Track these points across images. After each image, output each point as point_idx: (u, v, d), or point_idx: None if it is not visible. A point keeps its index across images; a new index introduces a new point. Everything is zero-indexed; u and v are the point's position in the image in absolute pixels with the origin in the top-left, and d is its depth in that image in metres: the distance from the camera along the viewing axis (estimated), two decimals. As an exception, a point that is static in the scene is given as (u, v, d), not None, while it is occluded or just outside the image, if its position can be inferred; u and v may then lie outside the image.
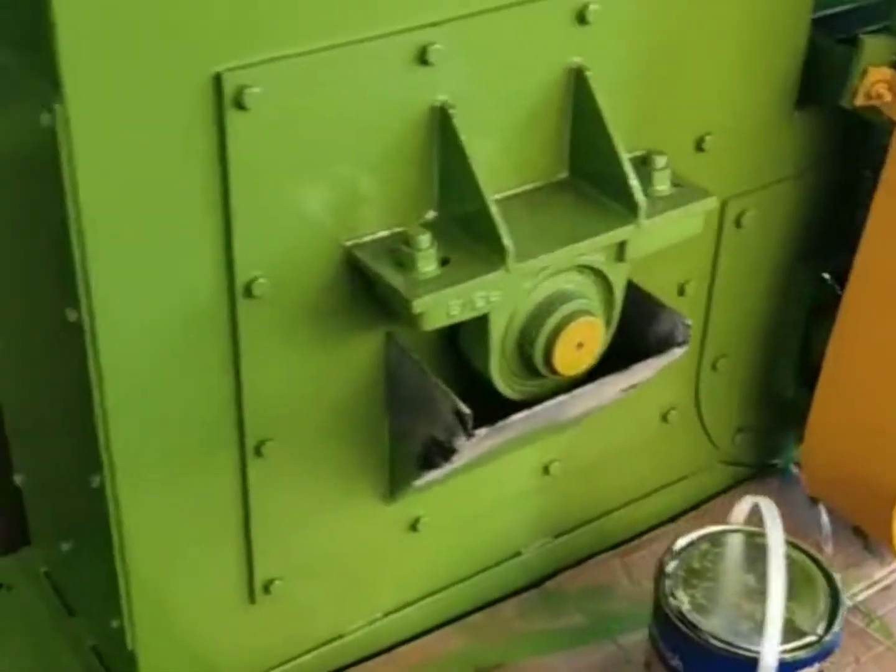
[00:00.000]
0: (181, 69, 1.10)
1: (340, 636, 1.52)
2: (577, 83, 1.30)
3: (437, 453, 1.31)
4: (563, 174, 1.35)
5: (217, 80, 1.11)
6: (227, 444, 1.30)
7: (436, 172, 1.26)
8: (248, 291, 1.21)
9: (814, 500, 1.73)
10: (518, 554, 1.63)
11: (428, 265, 1.21)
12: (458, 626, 1.60)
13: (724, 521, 1.54)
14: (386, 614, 1.54)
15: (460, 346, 1.33)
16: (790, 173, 1.57)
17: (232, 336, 1.24)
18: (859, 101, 1.43)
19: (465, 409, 1.25)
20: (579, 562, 1.69)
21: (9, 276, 1.33)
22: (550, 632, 1.60)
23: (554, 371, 1.31)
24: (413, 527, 1.49)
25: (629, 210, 1.29)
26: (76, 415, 1.25)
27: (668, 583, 1.36)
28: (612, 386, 1.35)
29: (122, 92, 1.08)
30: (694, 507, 1.77)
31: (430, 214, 1.28)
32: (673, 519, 1.76)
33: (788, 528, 1.45)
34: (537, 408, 1.30)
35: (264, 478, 1.33)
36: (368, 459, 1.41)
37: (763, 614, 1.31)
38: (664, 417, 1.65)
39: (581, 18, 1.27)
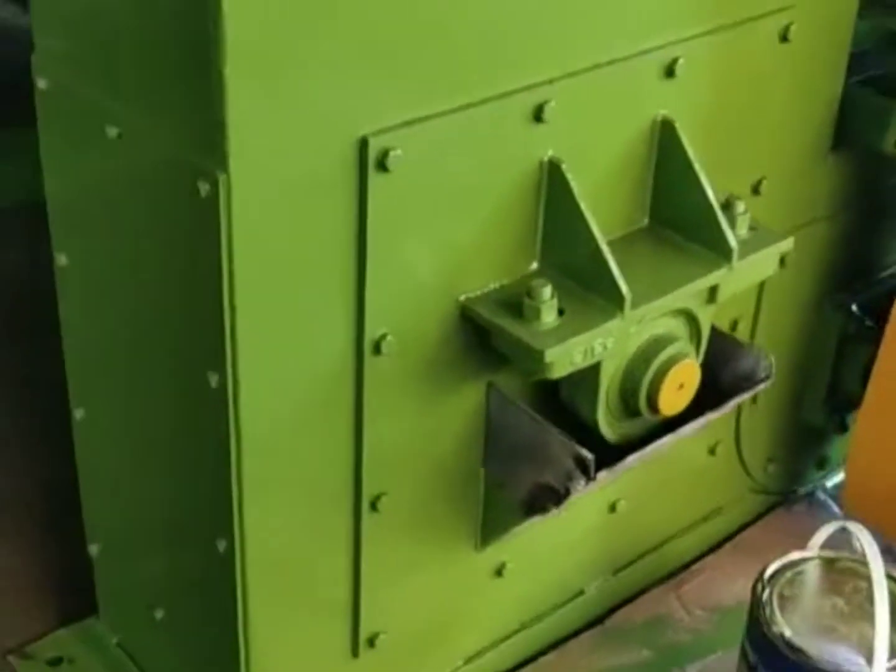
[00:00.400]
0: (331, 134, 1.12)
1: (427, 686, 1.53)
2: (665, 134, 1.35)
3: (549, 499, 1.34)
4: (644, 222, 1.41)
5: (363, 143, 1.13)
6: (345, 501, 1.31)
7: (540, 225, 1.30)
8: (376, 349, 1.23)
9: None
10: (581, 593, 1.66)
11: (549, 316, 1.24)
12: (533, 668, 1.62)
13: (773, 548, 1.62)
14: (466, 661, 1.56)
15: (562, 392, 1.37)
16: (825, 213, 1.65)
17: (356, 393, 1.25)
18: (903, 143, 1.52)
19: (588, 454, 1.28)
20: (633, 597, 1.73)
21: (118, 348, 1.33)
22: (620, 668, 1.64)
23: (656, 412, 1.35)
24: (498, 572, 1.51)
25: (721, 254, 1.35)
26: (203, 480, 1.25)
27: (766, 611, 1.40)
28: (705, 422, 1.41)
29: (277, 159, 1.09)
30: (730, 537, 1.83)
31: (533, 266, 1.32)
32: (713, 549, 1.81)
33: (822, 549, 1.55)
34: (649, 447, 1.34)
35: (377, 532, 1.34)
36: (464, 509, 1.43)
37: (860, 636, 1.38)
38: (712, 451, 1.71)
39: (669, 72, 1.33)
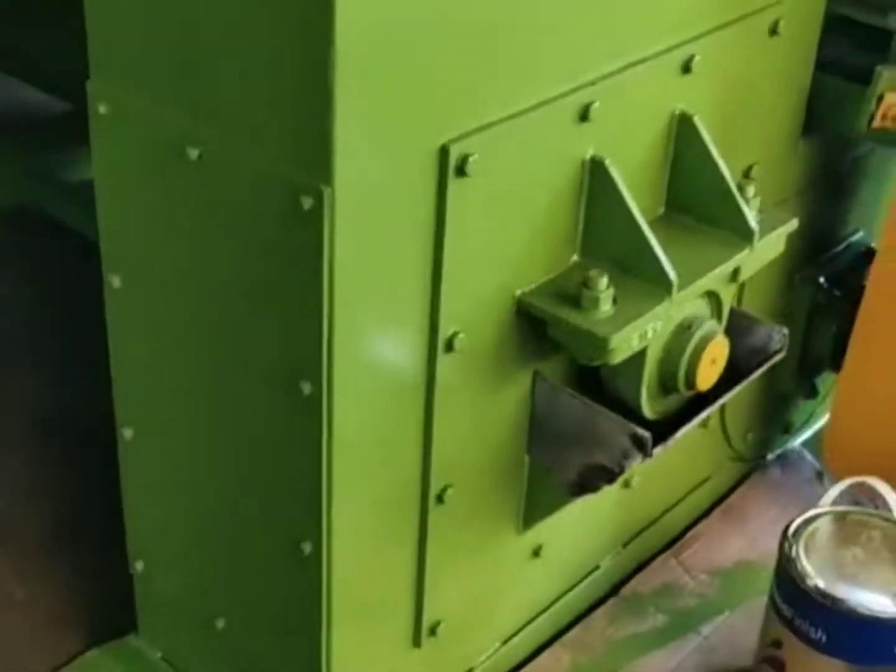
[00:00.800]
0: (417, 144, 1.17)
1: (471, 670, 1.59)
2: (683, 127, 1.43)
3: (600, 478, 1.41)
4: (661, 210, 1.49)
5: (443, 150, 1.18)
6: (413, 496, 1.36)
7: (581, 218, 1.37)
8: (448, 346, 1.28)
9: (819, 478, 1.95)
10: (597, 567, 1.74)
11: (606, 304, 1.31)
12: (562, 644, 1.70)
13: (759, 510, 1.79)
14: (504, 642, 1.62)
15: (604, 376, 1.44)
16: (793, 193, 1.76)
17: (427, 390, 1.30)
18: (877, 123, 1.64)
19: (645, 433, 1.36)
20: (641, 566, 1.82)
21: (181, 366, 1.35)
22: (641, 635, 1.73)
23: (692, 388, 1.44)
24: (536, 553, 1.58)
25: (743, 237, 1.44)
26: (287, 486, 1.28)
27: (798, 565, 1.50)
28: (734, 393, 1.50)
29: (372, 171, 1.14)
30: (716, 504, 1.94)
31: (574, 258, 1.39)
32: (706, 514, 1.91)
33: (797, 505, 1.70)
34: (695, 420, 1.43)
35: (442, 523, 1.39)
36: (510, 495, 1.49)
37: (882, 581, 1.49)
38: (704, 424, 1.80)
39: (686, 68, 1.41)
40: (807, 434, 2.06)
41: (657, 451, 1.38)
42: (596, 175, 1.34)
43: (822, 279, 1.85)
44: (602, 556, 1.74)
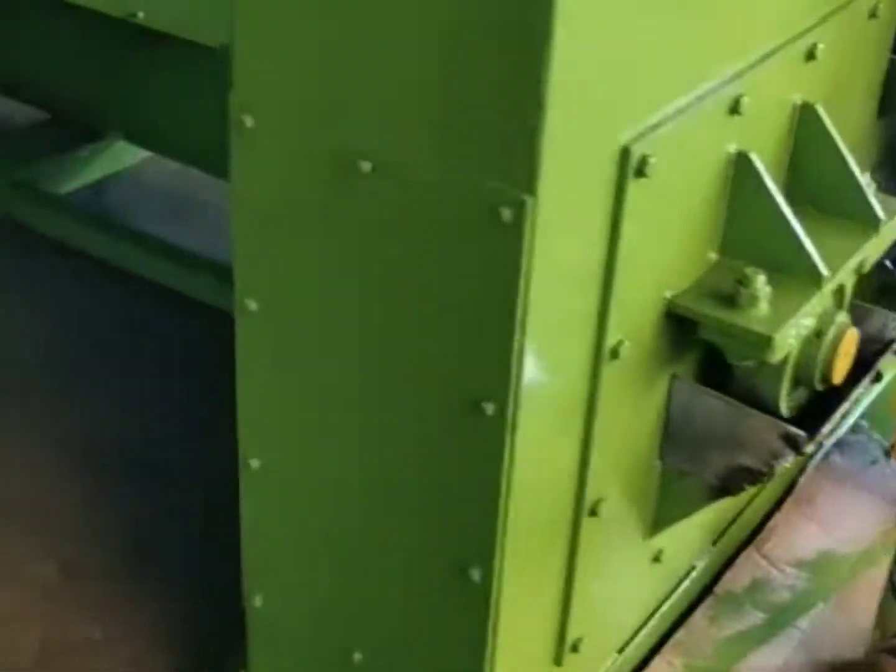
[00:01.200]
0: (602, 145, 1.11)
1: (592, 683, 1.55)
2: (805, 116, 1.40)
3: (743, 479, 1.38)
4: (783, 203, 1.46)
5: (625, 151, 1.13)
6: (569, 510, 1.30)
7: (723, 215, 1.33)
8: (614, 354, 1.23)
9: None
10: (693, 568, 1.71)
11: (764, 302, 1.28)
12: (670, 648, 1.66)
13: (826, 496, 1.83)
14: (619, 651, 1.58)
15: (740, 375, 1.40)
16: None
17: (589, 400, 1.25)
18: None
19: (800, 432, 1.33)
20: (727, 563, 1.79)
21: (326, 391, 1.27)
22: (744, 634, 1.70)
23: (827, 381, 1.41)
24: (657, 558, 1.54)
25: (869, 225, 1.41)
26: (457, 510, 1.22)
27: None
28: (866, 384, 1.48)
29: (567, 177, 1.08)
30: (787, 492, 1.92)
31: (713, 256, 1.35)
32: (777, 505, 1.90)
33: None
34: (836, 414, 1.40)
35: (593, 537, 1.34)
36: (641, 502, 1.44)
37: None
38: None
39: (811, 56, 1.38)
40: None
41: (810, 448, 1.35)
42: (741, 169, 1.30)
43: (888, 262, 1.84)
44: (699, 556, 1.71)
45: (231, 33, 1.16)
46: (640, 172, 1.15)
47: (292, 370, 1.28)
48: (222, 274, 1.71)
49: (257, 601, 1.44)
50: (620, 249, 1.17)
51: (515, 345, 1.11)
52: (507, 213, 1.06)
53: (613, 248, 1.17)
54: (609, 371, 1.24)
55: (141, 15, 1.99)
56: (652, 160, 1.15)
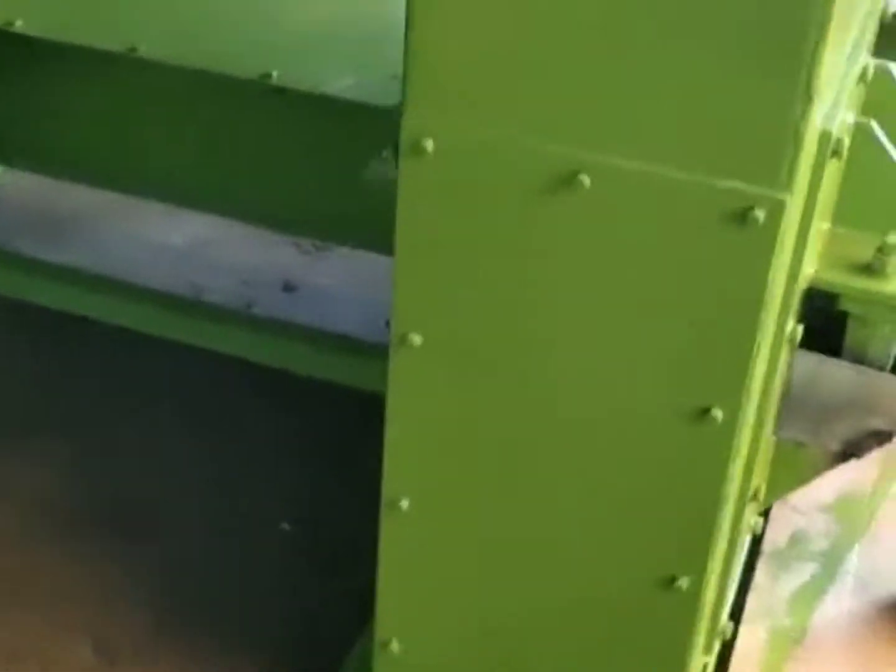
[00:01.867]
0: (817, 135, 1.07)
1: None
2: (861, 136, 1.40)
3: (871, 443, 1.38)
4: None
5: (824, 135, 1.09)
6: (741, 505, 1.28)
7: (838, 183, 1.32)
8: (791, 340, 1.21)
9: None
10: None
11: (902, 268, 1.28)
12: (748, 616, 1.66)
13: None
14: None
15: (855, 340, 1.39)
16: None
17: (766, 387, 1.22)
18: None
19: (932, 391, 1.34)
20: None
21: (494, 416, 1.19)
22: (806, 587, 1.72)
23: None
24: (753, 531, 1.53)
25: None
26: (667, 520, 1.17)
27: None
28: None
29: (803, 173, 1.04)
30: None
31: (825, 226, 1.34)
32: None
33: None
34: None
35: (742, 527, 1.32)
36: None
37: None
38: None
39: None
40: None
41: (941, 405, 1.37)
42: (863, 137, 1.30)
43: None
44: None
45: (407, 43, 1.05)
46: (836, 153, 1.12)
47: (448, 404, 1.19)
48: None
49: (394, 647, 1.35)
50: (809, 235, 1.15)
51: (755, 346, 1.07)
52: (760, 215, 1.01)
53: (804, 231, 1.15)
54: (782, 358, 1.22)
55: None
56: (846, 141, 1.12)
